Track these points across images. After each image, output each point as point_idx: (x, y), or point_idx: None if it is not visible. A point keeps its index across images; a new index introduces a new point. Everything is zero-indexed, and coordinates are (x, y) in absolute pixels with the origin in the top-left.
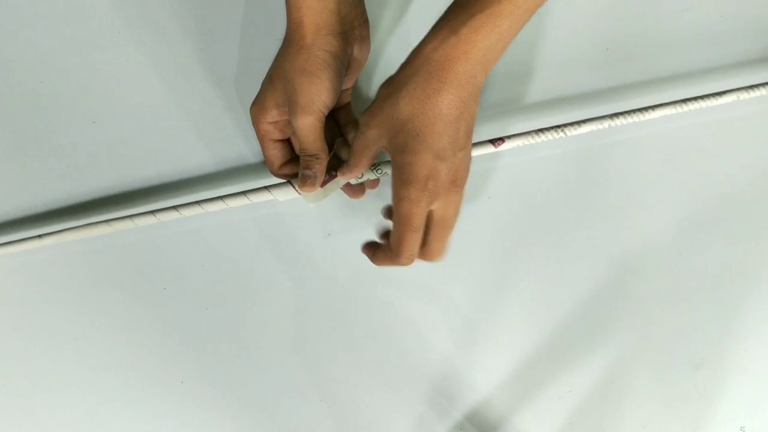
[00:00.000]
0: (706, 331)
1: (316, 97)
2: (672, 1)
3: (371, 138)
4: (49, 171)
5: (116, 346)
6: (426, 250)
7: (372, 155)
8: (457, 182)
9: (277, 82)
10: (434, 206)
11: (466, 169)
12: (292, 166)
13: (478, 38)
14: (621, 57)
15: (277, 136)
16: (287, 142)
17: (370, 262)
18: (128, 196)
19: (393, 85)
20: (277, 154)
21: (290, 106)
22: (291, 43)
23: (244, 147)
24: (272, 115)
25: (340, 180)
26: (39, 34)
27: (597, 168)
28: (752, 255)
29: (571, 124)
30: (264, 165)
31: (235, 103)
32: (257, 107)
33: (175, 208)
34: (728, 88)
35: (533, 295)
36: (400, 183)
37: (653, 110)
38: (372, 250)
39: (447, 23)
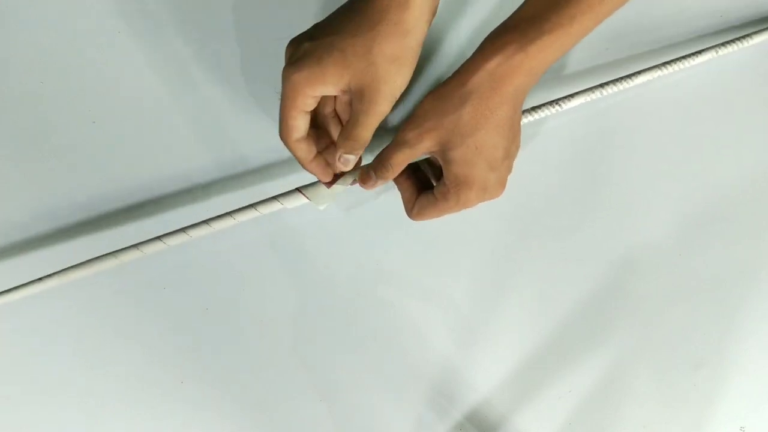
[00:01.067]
0: (706, 331)
1: (399, 89)
2: None
3: (421, 149)
4: (49, 171)
5: (116, 346)
6: None
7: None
8: (503, 184)
9: (354, 59)
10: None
11: (508, 175)
12: (308, 143)
13: (545, 55)
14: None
15: (311, 107)
16: (308, 120)
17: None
18: (128, 197)
19: (451, 99)
20: (301, 125)
21: (368, 92)
22: (386, 20)
23: (245, 147)
24: (326, 89)
25: (348, 178)
26: (39, 34)
27: (597, 168)
28: (752, 255)
29: (564, 97)
30: (279, 140)
31: (237, 103)
32: (310, 75)
33: (184, 230)
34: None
35: (533, 295)
36: (455, 188)
37: (639, 75)
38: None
39: (514, 38)
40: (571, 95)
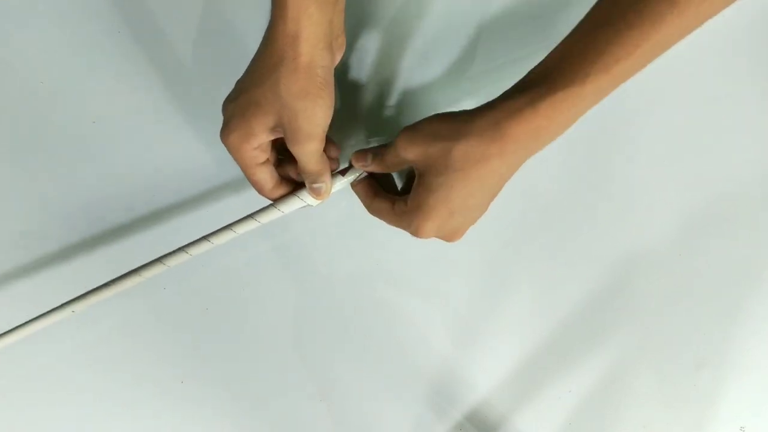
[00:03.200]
0: (707, 331)
1: (321, 120)
2: None
3: (406, 159)
4: (49, 171)
5: (115, 346)
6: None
7: (398, 168)
8: (460, 233)
9: (268, 107)
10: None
11: (474, 223)
12: (285, 184)
13: (555, 115)
14: None
15: (263, 158)
16: (269, 162)
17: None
18: (128, 196)
19: (453, 129)
20: (266, 177)
21: (290, 132)
22: (283, 60)
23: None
24: (260, 139)
25: (342, 179)
26: (39, 34)
27: (597, 168)
28: (753, 255)
29: None
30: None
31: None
32: (241, 134)
33: (184, 250)
34: None
35: (533, 295)
36: (414, 212)
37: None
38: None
39: (526, 93)
40: None
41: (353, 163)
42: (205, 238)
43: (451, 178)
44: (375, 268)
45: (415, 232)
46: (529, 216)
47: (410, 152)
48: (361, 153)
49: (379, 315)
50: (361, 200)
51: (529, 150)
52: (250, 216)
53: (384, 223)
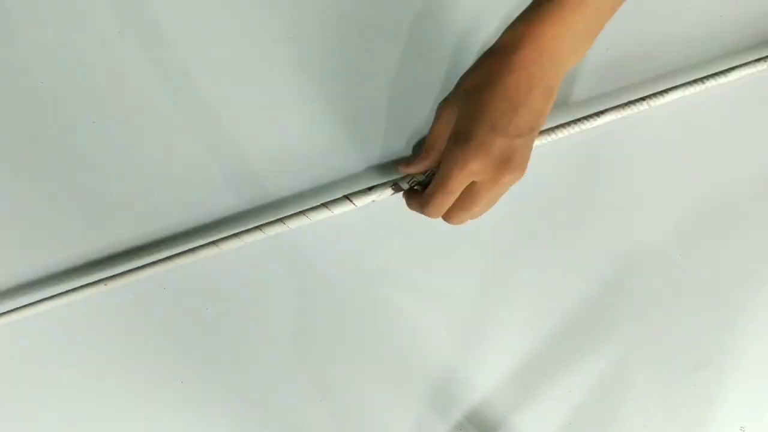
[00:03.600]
0: (707, 331)
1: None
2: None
3: (444, 119)
4: (48, 172)
5: (115, 346)
6: (448, 213)
7: (442, 148)
8: (509, 165)
9: None
10: (477, 178)
11: (522, 161)
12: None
13: (545, 27)
14: (621, 57)
15: None
16: None
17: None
18: (129, 197)
19: (472, 67)
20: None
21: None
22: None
23: (248, 148)
24: None
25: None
26: (39, 34)
27: (597, 168)
28: (753, 255)
29: (586, 117)
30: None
31: (238, 99)
32: None
33: (192, 250)
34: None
35: (533, 295)
36: (452, 142)
37: (662, 95)
38: (409, 192)
39: (522, 13)
40: (598, 113)
41: (402, 170)
42: (213, 242)
43: (476, 99)
44: (375, 269)
45: (460, 165)
46: (529, 216)
47: (445, 108)
48: (404, 160)
49: (379, 315)
50: (414, 208)
51: (537, 64)
52: (257, 227)
53: (384, 224)
